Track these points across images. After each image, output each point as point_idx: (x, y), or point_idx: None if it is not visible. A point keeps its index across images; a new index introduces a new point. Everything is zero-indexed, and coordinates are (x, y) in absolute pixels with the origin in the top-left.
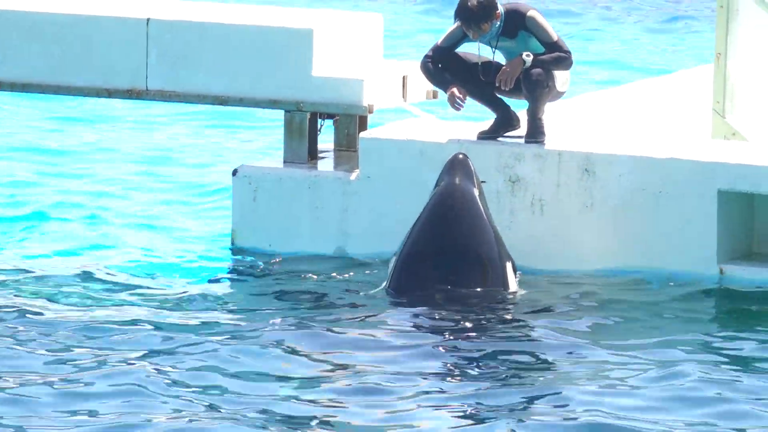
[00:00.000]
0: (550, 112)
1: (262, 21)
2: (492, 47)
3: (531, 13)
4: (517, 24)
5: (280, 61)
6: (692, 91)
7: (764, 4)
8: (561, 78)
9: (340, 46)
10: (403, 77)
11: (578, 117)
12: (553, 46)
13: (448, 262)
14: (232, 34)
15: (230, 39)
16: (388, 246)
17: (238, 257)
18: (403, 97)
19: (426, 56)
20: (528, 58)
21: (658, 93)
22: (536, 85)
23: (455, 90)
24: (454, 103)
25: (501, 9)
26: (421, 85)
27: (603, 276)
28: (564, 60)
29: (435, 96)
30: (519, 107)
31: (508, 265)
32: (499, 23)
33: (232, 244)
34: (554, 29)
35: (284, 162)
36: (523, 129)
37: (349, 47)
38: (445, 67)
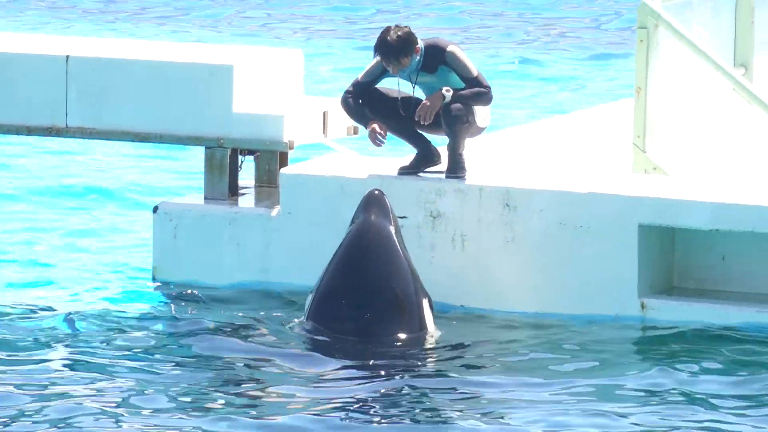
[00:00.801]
0: (470, 147)
1: (182, 57)
2: (412, 82)
3: (450, 48)
4: (437, 59)
5: (200, 98)
6: (613, 126)
7: (684, 38)
8: (481, 113)
9: (261, 82)
10: (324, 113)
11: (499, 152)
12: (472, 81)
13: (364, 298)
14: (152, 71)
15: (150, 76)
16: (310, 281)
17: (159, 293)
18: (324, 132)
19: (346, 92)
20: (448, 93)
21: (579, 127)
22: (456, 120)
23: (376, 126)
24: (375, 139)
25: (421, 44)
26: (342, 120)
27: (524, 311)
28: (484, 95)
29: (356, 132)
30: (440, 143)
31: (425, 302)
32: (419, 58)
33: (153, 280)
34: (474, 64)
35: (205, 198)
36: (444, 164)
37: (270, 83)
38: (365, 103)
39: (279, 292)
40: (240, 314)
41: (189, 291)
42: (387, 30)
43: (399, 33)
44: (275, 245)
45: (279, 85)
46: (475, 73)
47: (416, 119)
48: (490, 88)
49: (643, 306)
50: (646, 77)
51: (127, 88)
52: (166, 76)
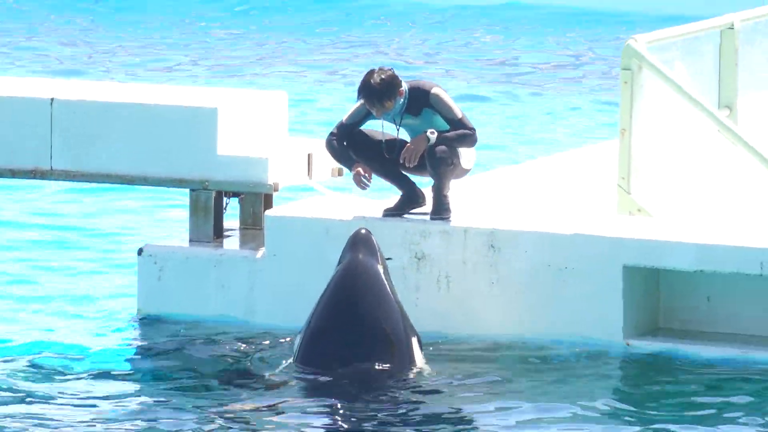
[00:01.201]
0: (455, 188)
1: (166, 100)
2: (396, 125)
3: (435, 90)
4: (421, 101)
5: (185, 140)
6: (598, 167)
7: (668, 79)
8: (466, 155)
9: (245, 125)
10: (308, 155)
11: (484, 193)
12: (457, 123)
13: (353, 338)
14: (137, 114)
15: (135, 118)
16: (296, 323)
17: (144, 336)
18: (309, 174)
19: (331, 134)
20: (432, 135)
21: (564, 168)
22: (441, 162)
23: (360, 169)
24: (359, 182)
25: (405, 86)
26: (327, 162)
27: (509, 352)
28: (468, 137)
29: (340, 173)
30: (425, 185)
31: (414, 340)
32: (403, 100)
33: (138, 323)
34: (459, 107)
35: (190, 241)
36: (428, 206)
37: (254, 125)
38: (349, 145)
39: (265, 334)
40: (225, 357)
41: (174, 333)
42: (371, 72)
43: (383, 76)
44: (260, 287)
45: (263, 128)
46: (459, 115)
47: (401, 162)
48: (474, 130)
49: (628, 346)
50: (631, 118)
51: (112, 131)
52: (151, 118)
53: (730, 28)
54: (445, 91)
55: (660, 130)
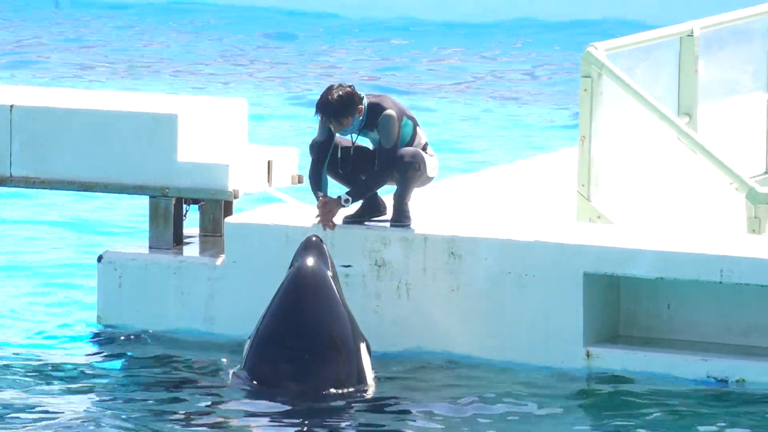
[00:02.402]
0: (415, 195)
1: (126, 106)
2: (352, 140)
3: (388, 112)
4: (377, 117)
5: (145, 147)
6: (557, 174)
7: (627, 87)
8: (431, 163)
9: (206, 131)
10: (268, 162)
11: (444, 200)
12: (384, 151)
13: (300, 343)
14: (97, 120)
15: (94, 125)
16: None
17: (103, 345)
18: (269, 181)
19: (312, 160)
20: (347, 203)
21: (525, 175)
22: (409, 166)
23: (325, 205)
24: (324, 220)
25: (365, 102)
26: (286, 169)
27: (468, 360)
28: (381, 176)
29: (300, 181)
30: (386, 192)
31: (362, 346)
32: (361, 117)
33: (98, 329)
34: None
35: (150, 248)
36: (389, 214)
37: (214, 132)
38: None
39: (224, 342)
40: (183, 364)
41: (133, 339)
42: (329, 89)
43: (340, 93)
44: (220, 294)
45: (223, 134)
46: (390, 145)
47: (318, 222)
48: (394, 164)
49: (588, 354)
50: (590, 126)
51: (71, 138)
52: (111, 125)
53: (689, 35)
54: (395, 118)
55: (620, 138)
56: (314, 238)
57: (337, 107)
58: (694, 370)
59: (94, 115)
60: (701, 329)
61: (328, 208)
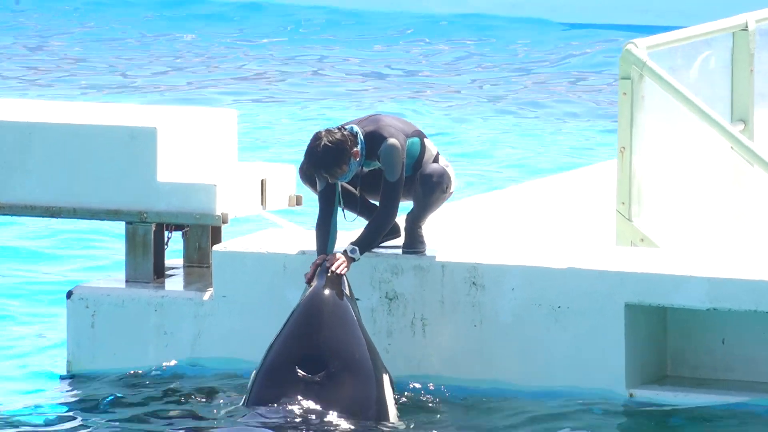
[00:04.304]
0: (431, 216)
1: (98, 119)
2: (359, 174)
3: (391, 142)
4: (378, 146)
5: (119, 165)
6: (594, 191)
7: (673, 89)
8: (453, 176)
9: (189, 147)
10: (262, 181)
11: (464, 222)
12: (388, 185)
13: (316, 373)
14: (63, 136)
15: (61, 141)
16: (248, 374)
17: (74, 390)
18: (262, 203)
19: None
20: (354, 254)
21: (556, 193)
22: (436, 187)
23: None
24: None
25: (361, 135)
26: (283, 189)
27: (494, 405)
28: (383, 222)
29: (299, 203)
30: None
31: (386, 378)
32: (359, 159)
33: (68, 375)
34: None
35: (126, 281)
36: (401, 239)
37: (200, 148)
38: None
39: (212, 388)
40: (167, 414)
41: (109, 388)
42: (315, 139)
43: (328, 142)
44: (208, 334)
45: (210, 150)
46: (394, 178)
47: (328, 266)
48: (395, 205)
49: (631, 397)
50: (631, 135)
51: (35, 156)
52: (79, 141)
53: (743, 29)
54: (399, 146)
55: (665, 148)
56: (328, 261)
57: (326, 161)
58: (752, 415)
59: (60, 130)
60: (761, 367)
61: (339, 265)
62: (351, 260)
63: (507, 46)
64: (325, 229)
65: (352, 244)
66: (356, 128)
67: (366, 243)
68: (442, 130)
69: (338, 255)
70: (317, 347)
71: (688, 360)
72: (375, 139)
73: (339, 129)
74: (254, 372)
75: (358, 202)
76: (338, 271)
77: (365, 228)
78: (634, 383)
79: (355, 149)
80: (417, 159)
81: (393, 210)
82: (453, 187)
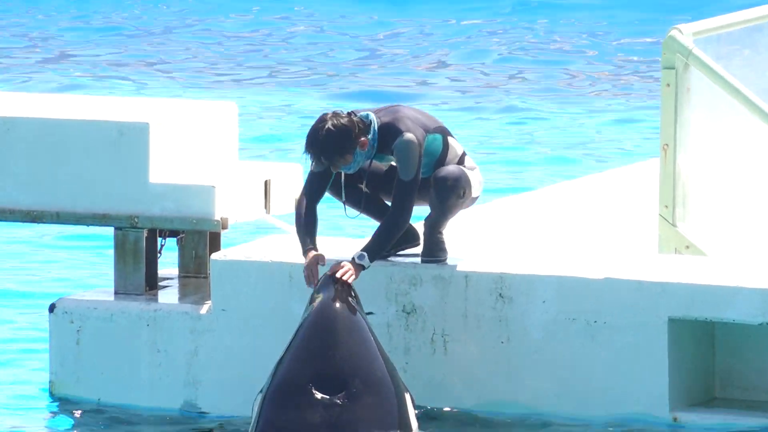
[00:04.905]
0: (454, 221)
1: (83, 114)
2: (364, 172)
3: (407, 136)
4: (394, 140)
5: (107, 165)
6: (634, 193)
7: (723, 80)
8: (474, 180)
9: (185, 145)
10: (265, 182)
11: (490, 228)
12: (402, 184)
13: (332, 392)
14: (45, 132)
15: (42, 138)
16: (250, 397)
17: (58, 415)
18: (266, 207)
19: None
20: (362, 260)
21: (591, 196)
22: (452, 191)
23: (312, 259)
24: (307, 276)
25: (375, 124)
26: (288, 191)
27: (523, 429)
28: (395, 227)
29: None
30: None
31: (407, 398)
32: (367, 149)
33: (51, 397)
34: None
35: (115, 293)
36: (421, 245)
37: (197, 145)
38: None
39: (210, 412)
40: None
41: (96, 412)
42: (320, 121)
43: (332, 126)
44: (205, 351)
45: (208, 148)
46: (409, 177)
47: (332, 274)
48: (408, 208)
49: (675, 421)
50: (675, 131)
51: (13, 155)
52: (63, 138)
53: None
54: (416, 142)
55: (713, 145)
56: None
57: (327, 147)
58: None
59: (41, 125)
60: None
61: (345, 273)
62: (360, 268)
63: (543, 36)
64: (311, 219)
65: (361, 250)
66: (372, 116)
67: (376, 249)
68: (468, 127)
69: (344, 263)
70: (333, 365)
71: (738, 380)
72: (390, 131)
73: (349, 113)
74: (260, 394)
75: (362, 200)
76: (346, 279)
77: (375, 232)
78: (679, 406)
79: (363, 138)
80: (438, 158)
81: (406, 213)
82: (476, 192)
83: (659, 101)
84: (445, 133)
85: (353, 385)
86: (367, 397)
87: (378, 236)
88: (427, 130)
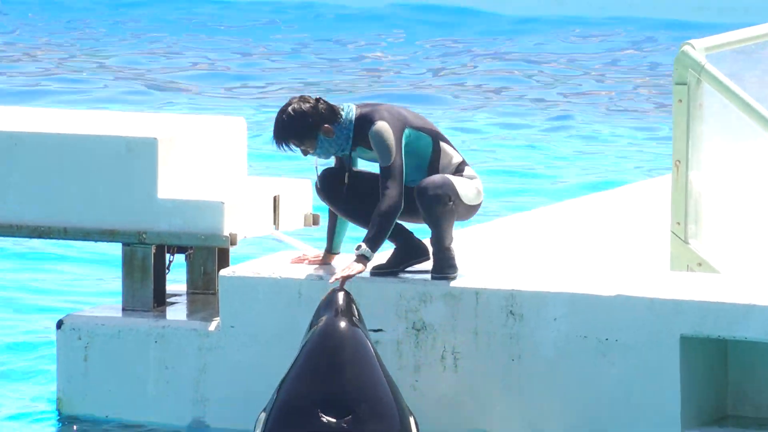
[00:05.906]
0: (464, 237)
1: (91, 129)
2: (345, 161)
3: (378, 125)
4: (367, 131)
5: (115, 180)
6: (646, 209)
7: (736, 96)
8: (469, 188)
9: (193, 160)
10: (275, 198)
11: (501, 243)
12: (383, 171)
13: (337, 416)
14: (52, 147)
15: (49, 152)
16: (256, 413)
17: None
18: (275, 223)
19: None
20: (361, 249)
21: (603, 212)
22: (434, 201)
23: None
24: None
25: (348, 122)
26: (298, 207)
27: None
28: (387, 216)
29: (315, 222)
30: (425, 233)
31: (411, 421)
32: (338, 138)
33: (58, 415)
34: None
35: (123, 309)
36: (430, 262)
37: (205, 161)
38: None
39: (218, 429)
40: None
41: (104, 429)
42: (287, 103)
43: (292, 109)
44: (214, 369)
45: (217, 163)
46: (389, 161)
47: (331, 281)
48: (397, 189)
49: None
50: (687, 147)
51: (21, 170)
52: (71, 153)
53: None
54: (388, 129)
55: (726, 161)
56: (341, 291)
57: (284, 130)
58: None
59: (48, 140)
60: None
61: (351, 270)
62: (364, 260)
63: (556, 51)
64: (332, 221)
65: (361, 242)
66: (351, 107)
67: (376, 238)
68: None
69: (343, 268)
70: (338, 388)
71: (751, 399)
72: (365, 121)
73: (317, 99)
74: (262, 414)
75: (342, 198)
76: (353, 274)
77: (370, 222)
78: (691, 425)
79: (326, 125)
80: (429, 162)
81: (396, 194)
82: (473, 200)
83: (671, 117)
84: (435, 136)
85: (359, 410)
86: (372, 421)
87: (374, 224)
88: (409, 125)
